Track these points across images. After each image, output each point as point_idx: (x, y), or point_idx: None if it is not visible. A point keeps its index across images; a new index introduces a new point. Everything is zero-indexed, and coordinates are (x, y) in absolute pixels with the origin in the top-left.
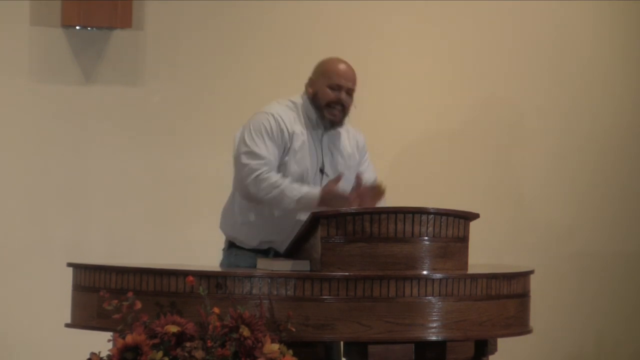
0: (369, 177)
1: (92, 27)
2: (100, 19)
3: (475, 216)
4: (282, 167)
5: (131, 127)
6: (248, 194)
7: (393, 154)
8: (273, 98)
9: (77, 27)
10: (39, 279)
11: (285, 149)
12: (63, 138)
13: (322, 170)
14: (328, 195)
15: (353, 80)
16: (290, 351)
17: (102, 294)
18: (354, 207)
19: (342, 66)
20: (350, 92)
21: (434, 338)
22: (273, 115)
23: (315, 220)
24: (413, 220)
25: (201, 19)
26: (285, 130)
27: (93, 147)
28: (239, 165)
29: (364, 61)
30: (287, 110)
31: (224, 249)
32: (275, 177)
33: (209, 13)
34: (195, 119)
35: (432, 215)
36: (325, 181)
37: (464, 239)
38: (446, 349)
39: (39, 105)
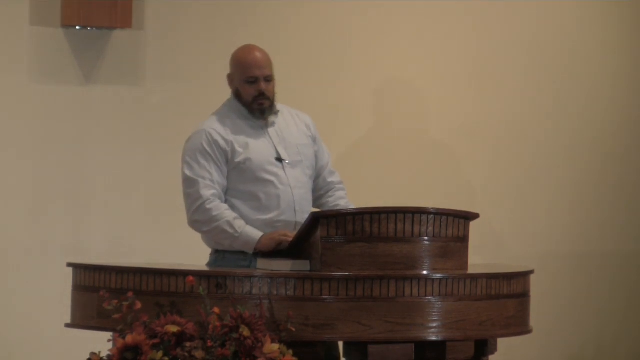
0: (323, 160)
1: (92, 27)
2: (100, 19)
3: (475, 216)
4: (236, 171)
5: (131, 127)
6: (194, 224)
7: (393, 154)
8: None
9: (77, 27)
10: (39, 279)
11: (229, 157)
12: (63, 138)
13: (279, 159)
14: (269, 241)
15: (267, 64)
16: (290, 351)
17: (102, 294)
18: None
19: (251, 56)
20: (268, 78)
21: (434, 338)
22: (205, 131)
23: (315, 220)
24: (413, 220)
25: (201, 19)
26: (221, 141)
27: (93, 147)
28: (183, 194)
29: (364, 60)
30: (220, 118)
31: (210, 254)
32: (217, 210)
33: (209, 13)
34: (195, 119)
35: (432, 215)
36: (287, 169)
37: (464, 239)
38: (446, 349)
39: (39, 105)
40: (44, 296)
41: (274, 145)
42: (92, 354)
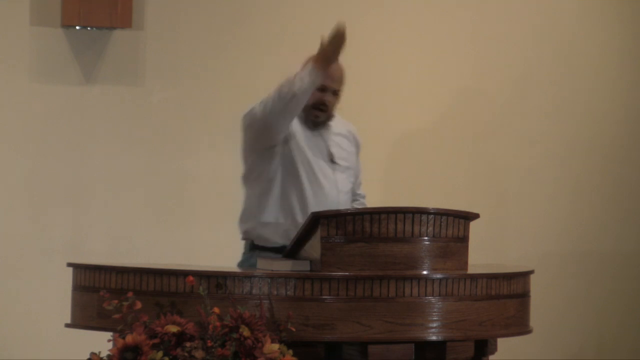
0: (358, 175)
1: (92, 27)
2: (100, 19)
3: (475, 216)
4: (288, 156)
5: (131, 127)
6: (266, 116)
7: (392, 154)
8: None
9: (77, 27)
10: (39, 279)
11: (287, 135)
12: (63, 138)
13: (332, 161)
14: (322, 47)
15: (340, 80)
16: (290, 351)
17: (102, 294)
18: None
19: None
20: (336, 92)
21: (434, 338)
22: None
23: (315, 220)
24: (413, 220)
25: (201, 19)
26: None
27: (93, 147)
28: (251, 117)
29: (364, 60)
30: None
31: (244, 252)
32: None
33: (209, 13)
34: (195, 119)
35: (432, 215)
36: (338, 171)
37: (464, 239)
38: (446, 349)
39: (39, 105)
40: (44, 296)
41: (327, 147)
42: (92, 354)
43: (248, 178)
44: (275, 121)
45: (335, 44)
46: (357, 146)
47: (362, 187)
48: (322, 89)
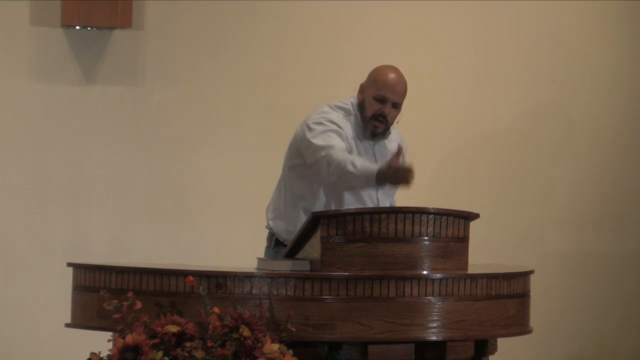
0: None
1: (92, 27)
2: (100, 19)
3: (475, 216)
4: None
5: (131, 127)
6: (328, 183)
7: None
8: (274, 97)
9: (77, 27)
10: (39, 279)
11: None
12: (63, 138)
13: None
14: (389, 170)
15: (401, 93)
16: (290, 351)
17: (102, 294)
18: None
19: (391, 77)
20: (396, 105)
21: (434, 338)
22: (328, 112)
23: (315, 220)
24: (413, 220)
25: (201, 18)
26: (342, 131)
27: (93, 147)
28: (312, 160)
29: (364, 60)
30: (338, 112)
31: (267, 247)
32: (340, 157)
33: (209, 13)
34: (195, 119)
35: (432, 215)
36: (380, 191)
37: (464, 239)
38: (446, 349)
39: (39, 105)
40: (44, 296)
41: (376, 161)
42: (92, 354)
43: (293, 176)
44: (325, 183)
45: (400, 177)
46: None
47: None
48: (382, 100)
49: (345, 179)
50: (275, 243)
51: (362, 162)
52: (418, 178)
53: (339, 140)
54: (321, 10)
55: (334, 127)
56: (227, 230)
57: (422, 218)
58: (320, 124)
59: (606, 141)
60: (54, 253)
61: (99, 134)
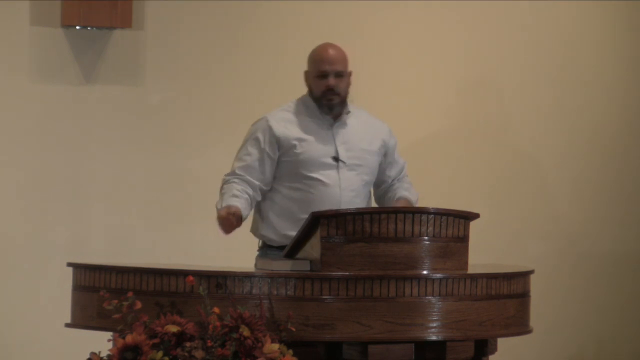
0: (392, 171)
1: (92, 27)
2: (100, 19)
3: (475, 216)
4: (288, 162)
5: (131, 127)
6: None
7: None
8: (274, 98)
9: (77, 27)
10: (39, 279)
11: (282, 148)
12: (63, 138)
13: (336, 159)
14: (219, 218)
15: (339, 60)
16: (290, 351)
17: (102, 294)
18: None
19: (324, 51)
20: (340, 73)
21: (434, 338)
22: (266, 119)
23: (315, 220)
24: (413, 220)
25: (201, 18)
26: (278, 130)
27: (93, 147)
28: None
29: (364, 60)
30: (286, 109)
31: (258, 250)
32: (227, 186)
33: (209, 13)
34: (195, 119)
35: (432, 215)
36: (342, 170)
37: (464, 239)
38: (446, 349)
39: (39, 105)
40: (44, 296)
41: (335, 145)
42: (92, 354)
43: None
44: None
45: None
46: (385, 146)
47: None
48: (323, 75)
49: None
50: (261, 245)
51: (223, 201)
52: (418, 178)
53: (253, 158)
54: (322, 11)
55: (248, 153)
56: None
57: (422, 218)
58: (244, 147)
59: (606, 141)
60: (54, 253)
61: (99, 134)
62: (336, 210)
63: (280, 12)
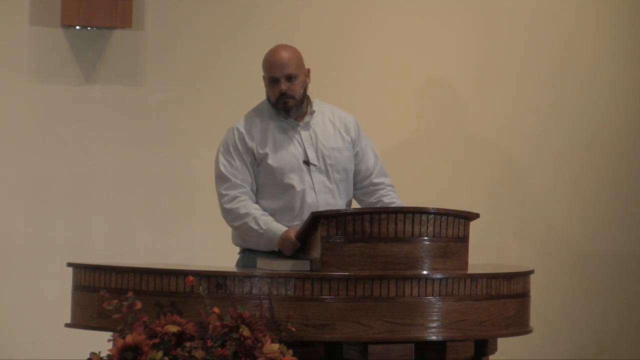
0: (368, 162)
1: (92, 27)
2: (100, 19)
3: (475, 216)
4: (263, 171)
5: (131, 127)
6: (226, 220)
7: (392, 154)
8: None
9: (77, 27)
10: (39, 279)
11: (255, 156)
12: (63, 138)
13: (307, 162)
14: (284, 242)
15: (289, 64)
16: (290, 351)
17: (102, 294)
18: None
19: (274, 56)
20: (290, 77)
21: (434, 338)
22: (236, 129)
23: (315, 220)
24: (413, 220)
25: (201, 19)
26: (249, 140)
27: (93, 147)
28: (216, 190)
29: (364, 61)
30: (252, 118)
31: (239, 254)
32: (244, 208)
33: (210, 13)
34: (195, 119)
35: (432, 215)
36: (314, 173)
37: (464, 239)
38: (446, 349)
39: (39, 105)
40: (44, 296)
41: (304, 148)
42: (92, 354)
43: None
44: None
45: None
46: (353, 138)
47: (389, 176)
48: (274, 80)
49: (248, 233)
50: (242, 249)
51: (269, 221)
52: (418, 178)
53: (240, 170)
54: (322, 11)
55: (233, 163)
56: (227, 230)
57: (422, 218)
58: (225, 151)
59: (606, 141)
60: (54, 253)
61: (99, 134)
62: (336, 210)
63: (280, 12)
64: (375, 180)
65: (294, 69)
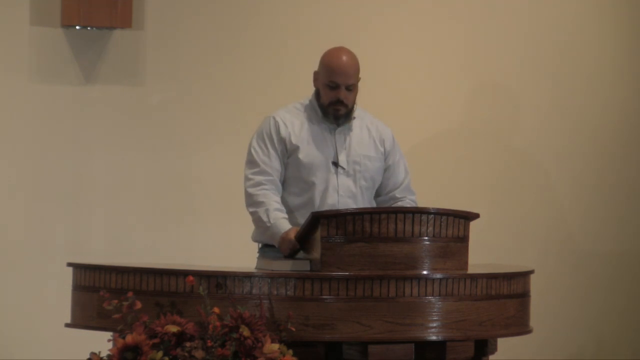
0: (397, 178)
1: (92, 27)
2: (100, 19)
3: (475, 216)
4: (291, 165)
5: (131, 127)
6: (246, 203)
7: None
8: (274, 98)
9: (77, 27)
10: (39, 279)
11: (287, 148)
12: (63, 138)
13: (335, 164)
14: (283, 241)
15: (352, 74)
16: (290, 351)
17: (102, 294)
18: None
19: (339, 61)
20: (350, 87)
21: (434, 338)
22: (274, 118)
23: (315, 220)
24: (413, 220)
25: (202, 19)
26: (284, 131)
27: (93, 147)
28: (244, 174)
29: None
30: (292, 110)
31: (258, 251)
32: (264, 197)
33: (210, 13)
34: (195, 119)
35: (432, 215)
36: (341, 176)
37: (464, 239)
38: (446, 349)
39: (39, 105)
40: (44, 296)
41: (336, 150)
42: (92, 354)
43: None
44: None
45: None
46: (387, 151)
47: (415, 194)
48: (334, 86)
49: (257, 223)
50: (262, 245)
51: (277, 217)
52: (418, 178)
53: (272, 158)
54: (322, 12)
55: (265, 150)
56: (227, 230)
57: (422, 218)
58: (260, 138)
59: (606, 140)
60: (54, 253)
61: (99, 134)
62: (336, 210)
63: (281, 12)
64: (398, 195)
65: (355, 79)
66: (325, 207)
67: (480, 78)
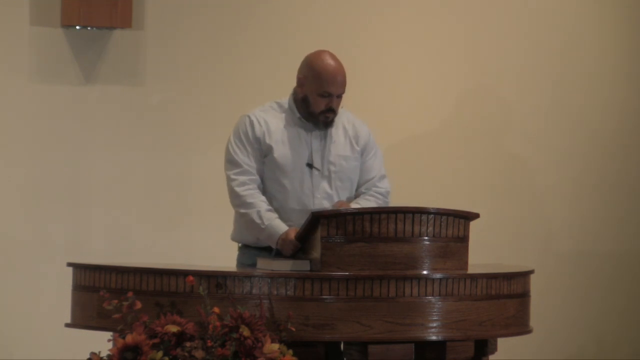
0: (371, 173)
1: (92, 27)
2: (100, 19)
3: (475, 216)
4: (267, 165)
5: (131, 127)
6: (232, 205)
7: (393, 154)
8: (274, 98)
9: (77, 27)
10: (39, 279)
11: (262, 149)
12: (63, 138)
13: (310, 165)
14: (284, 242)
15: (344, 82)
16: (290, 351)
17: (102, 294)
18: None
19: (333, 71)
20: (340, 95)
21: (434, 338)
22: (249, 117)
23: (315, 220)
24: (413, 220)
25: (201, 18)
26: (259, 130)
27: (93, 147)
28: (225, 175)
29: (363, 60)
30: (268, 110)
31: (238, 250)
32: (251, 198)
33: (210, 13)
34: (195, 119)
35: (432, 215)
36: (315, 177)
37: (464, 239)
38: (446, 349)
39: (39, 105)
40: (44, 296)
41: (311, 151)
42: (92, 354)
43: None
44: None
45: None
46: (362, 148)
47: (385, 182)
48: (327, 95)
49: (249, 225)
50: (242, 245)
51: (271, 217)
52: (418, 178)
53: (250, 156)
54: (322, 11)
55: (244, 150)
56: (227, 230)
57: (422, 218)
58: (237, 137)
59: (606, 140)
60: (54, 253)
61: (99, 134)
62: (337, 210)
63: (280, 13)
64: (363, 190)
65: (344, 88)
66: (299, 209)
67: (481, 78)
